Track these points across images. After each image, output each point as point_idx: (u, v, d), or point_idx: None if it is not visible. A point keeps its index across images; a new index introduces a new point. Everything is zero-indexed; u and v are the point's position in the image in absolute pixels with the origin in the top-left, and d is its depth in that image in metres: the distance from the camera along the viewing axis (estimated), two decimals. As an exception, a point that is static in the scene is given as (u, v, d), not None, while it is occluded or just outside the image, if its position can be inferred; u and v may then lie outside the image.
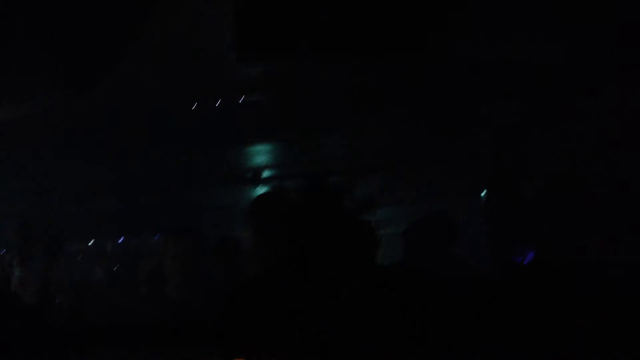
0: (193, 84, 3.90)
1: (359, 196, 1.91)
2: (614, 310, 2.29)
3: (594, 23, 2.82)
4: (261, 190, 7.84)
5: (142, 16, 1.79)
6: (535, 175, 4.23)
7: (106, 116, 4.17)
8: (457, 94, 4.33)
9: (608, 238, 3.15)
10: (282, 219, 2.31)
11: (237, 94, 4.09)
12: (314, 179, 2.11)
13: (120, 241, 10.93)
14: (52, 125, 4.10)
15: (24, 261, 2.40)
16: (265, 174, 6.90)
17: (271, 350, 1.85)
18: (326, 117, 4.92)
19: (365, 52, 1.81)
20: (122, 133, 4.67)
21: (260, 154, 6.20)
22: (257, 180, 7.01)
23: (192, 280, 3.45)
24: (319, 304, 1.83)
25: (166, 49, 3.22)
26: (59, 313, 2.71)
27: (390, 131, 5.56)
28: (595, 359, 2.07)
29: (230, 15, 2.81)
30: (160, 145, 5.17)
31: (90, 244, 10.95)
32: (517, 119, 4.33)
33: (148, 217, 8.64)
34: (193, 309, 3.40)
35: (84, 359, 2.30)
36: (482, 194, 6.33)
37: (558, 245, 3.74)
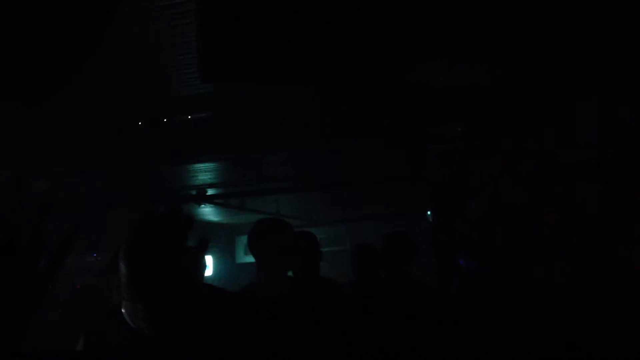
0: (139, 102, 3.82)
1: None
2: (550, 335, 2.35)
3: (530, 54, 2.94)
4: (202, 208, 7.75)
5: (98, 29, 1.74)
6: (480, 196, 4.32)
7: (53, 131, 4.02)
8: (404, 116, 4.39)
9: (549, 261, 3.23)
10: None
11: (183, 112, 4.03)
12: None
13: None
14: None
15: None
16: (210, 191, 6.83)
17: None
18: (272, 136, 4.90)
19: (319, 75, 1.82)
20: (66, 150, 4.52)
21: (205, 172, 6.12)
22: (202, 198, 6.93)
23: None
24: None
25: (115, 65, 3.15)
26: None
27: (337, 151, 5.59)
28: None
29: (187, 33, 2.79)
30: (106, 162, 5.02)
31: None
32: (462, 141, 4.44)
33: (86, 235, 8.37)
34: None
35: None
36: (428, 214, 6.45)
37: (500, 267, 3.82)
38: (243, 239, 10.57)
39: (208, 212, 8.18)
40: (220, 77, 1.60)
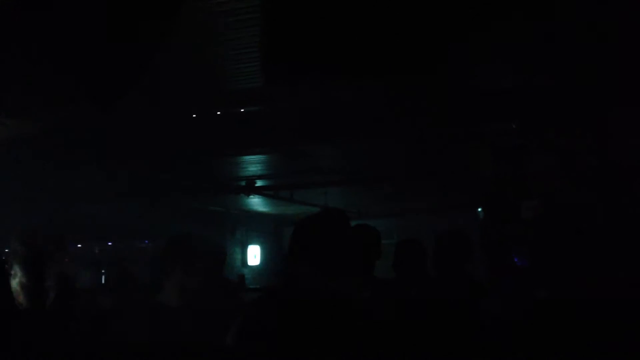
0: (193, 96, 3.89)
1: None
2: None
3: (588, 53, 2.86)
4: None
5: (161, 32, 1.78)
6: (533, 195, 4.24)
7: (104, 127, 4.14)
8: (458, 112, 4.33)
9: (604, 269, 3.15)
10: None
11: (236, 105, 4.08)
12: None
13: (109, 244, 10.90)
14: (51, 139, 4.08)
15: (25, 266, 2.36)
16: (259, 182, 6.90)
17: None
18: (324, 130, 4.91)
19: (378, 75, 1.82)
20: (119, 143, 4.64)
21: (254, 164, 6.19)
22: (251, 189, 7.02)
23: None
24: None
25: (170, 58, 3.20)
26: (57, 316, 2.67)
27: (389, 146, 5.57)
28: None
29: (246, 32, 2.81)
30: (158, 153, 5.14)
31: (78, 246, 10.90)
32: (516, 140, 4.35)
33: (140, 223, 8.61)
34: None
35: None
36: (479, 211, 6.36)
37: (554, 268, 3.75)
38: (290, 230, 10.63)
39: (256, 202, 8.28)
40: (281, 81, 1.62)
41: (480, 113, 4.18)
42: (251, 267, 9.98)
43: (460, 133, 4.88)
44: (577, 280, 3.55)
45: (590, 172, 4.05)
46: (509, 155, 4.42)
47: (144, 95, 3.32)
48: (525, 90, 3.76)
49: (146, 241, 10.67)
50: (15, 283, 2.32)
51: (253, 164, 6.21)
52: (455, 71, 2.10)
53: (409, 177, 6.44)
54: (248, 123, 4.56)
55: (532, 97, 3.84)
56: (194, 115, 4.14)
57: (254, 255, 10.08)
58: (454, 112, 4.31)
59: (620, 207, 3.74)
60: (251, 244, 10.06)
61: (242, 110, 4.13)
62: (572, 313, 3.02)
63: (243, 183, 6.86)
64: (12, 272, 2.32)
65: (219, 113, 4.13)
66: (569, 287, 3.60)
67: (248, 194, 7.09)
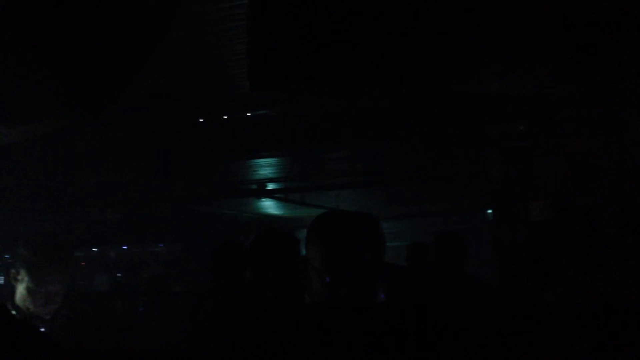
0: (201, 99, 3.93)
1: None
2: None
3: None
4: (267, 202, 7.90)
5: (156, 34, 1.80)
6: (542, 197, 4.21)
7: (117, 133, 4.20)
8: (466, 115, 4.33)
9: (614, 270, 3.13)
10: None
11: (245, 109, 4.11)
12: None
13: (124, 249, 11.03)
14: (63, 143, 4.14)
15: (32, 272, 2.38)
16: (270, 186, 6.93)
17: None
18: (332, 133, 4.93)
19: (379, 81, 1.82)
20: (130, 147, 4.70)
21: (265, 167, 6.22)
22: (262, 192, 7.05)
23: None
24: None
25: (177, 64, 3.24)
26: (65, 324, 2.69)
27: (396, 148, 5.57)
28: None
29: (242, 38, 2.84)
30: (169, 158, 5.19)
31: (94, 250, 11.04)
32: (524, 141, 4.33)
33: (153, 227, 8.70)
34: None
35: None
36: (488, 213, 6.33)
37: (563, 274, 3.73)
38: (303, 233, 10.63)
39: (268, 205, 8.31)
40: (267, 86, 1.63)
41: (488, 116, 4.18)
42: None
43: (469, 136, 4.88)
44: (586, 283, 3.53)
45: (600, 173, 4.02)
46: (517, 157, 4.41)
47: (152, 100, 3.38)
48: (534, 92, 3.75)
49: (160, 244, 10.79)
50: (22, 288, 2.35)
51: (264, 167, 6.24)
52: (462, 75, 2.10)
53: (419, 179, 6.44)
54: (257, 127, 4.60)
55: (541, 99, 3.82)
56: (201, 120, 4.18)
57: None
58: (462, 115, 4.31)
59: (631, 210, 3.71)
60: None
61: (249, 114, 4.16)
62: (580, 316, 3.01)
63: (254, 186, 6.90)
64: (19, 277, 2.36)
65: (225, 117, 4.17)
66: (577, 290, 3.59)
67: (259, 197, 7.12)
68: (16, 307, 2.40)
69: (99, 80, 1.69)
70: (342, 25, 1.66)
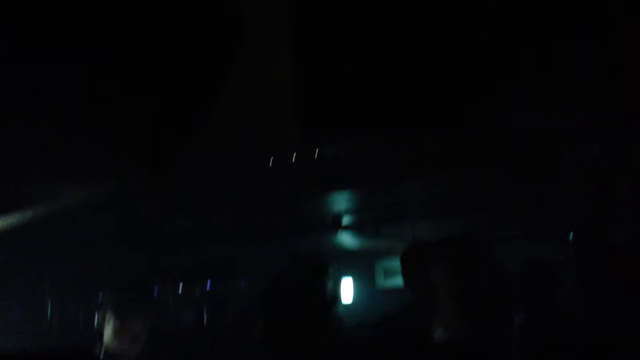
0: (268, 141, 4.08)
1: None
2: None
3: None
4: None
5: (214, 86, 1.91)
6: (625, 219, 4.04)
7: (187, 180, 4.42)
8: (539, 137, 4.25)
9: None
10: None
11: (311, 149, 4.23)
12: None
13: (208, 286, 11.33)
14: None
15: (117, 313, 2.54)
16: (345, 220, 6.99)
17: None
18: (405, 164, 4.95)
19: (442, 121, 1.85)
20: (207, 191, 4.92)
21: (339, 202, 6.30)
22: (338, 226, 7.12)
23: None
24: None
25: (238, 112, 3.40)
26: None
27: (473, 176, 5.50)
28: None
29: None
30: (244, 198, 5.38)
31: (180, 289, 11.40)
32: (601, 163, 4.19)
33: (234, 263, 8.93)
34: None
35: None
36: (570, 237, 6.11)
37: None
38: (382, 264, 10.59)
39: (345, 239, 8.35)
40: (317, 139, 1.69)
41: (562, 138, 4.09)
42: (345, 305, 10.00)
43: (544, 159, 4.77)
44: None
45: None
46: (595, 179, 4.27)
47: (220, 148, 3.54)
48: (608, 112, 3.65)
49: (242, 280, 11.02)
50: (109, 329, 2.51)
51: (337, 202, 6.32)
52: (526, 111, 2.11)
53: (496, 207, 6.31)
54: (326, 163, 4.69)
55: (616, 118, 3.71)
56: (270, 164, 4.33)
57: (346, 291, 10.10)
58: (534, 139, 4.23)
59: None
60: (344, 278, 10.10)
61: (317, 150, 4.27)
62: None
63: (329, 221, 6.97)
64: (107, 319, 2.52)
65: (294, 158, 4.30)
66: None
67: (335, 231, 7.19)
68: (105, 349, 2.56)
69: (166, 138, 1.81)
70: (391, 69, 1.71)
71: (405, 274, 3.55)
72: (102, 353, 2.56)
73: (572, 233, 5.62)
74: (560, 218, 5.39)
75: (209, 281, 11.22)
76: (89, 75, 1.67)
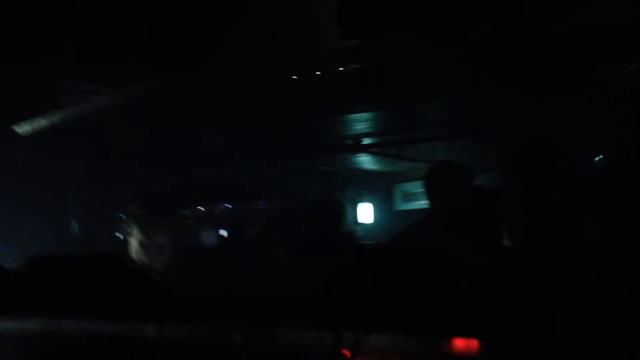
0: (293, 55, 3.95)
1: None
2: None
3: None
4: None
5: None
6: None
7: (210, 91, 4.32)
8: (572, 52, 4.07)
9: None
10: None
11: (338, 63, 4.10)
12: None
13: (229, 207, 11.46)
14: (164, 103, 4.32)
15: (144, 226, 2.55)
16: (365, 140, 6.92)
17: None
18: (426, 83, 4.81)
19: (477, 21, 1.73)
20: (227, 108, 4.84)
21: (359, 122, 6.20)
22: (358, 147, 7.05)
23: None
24: None
25: (266, 23, 3.26)
26: (176, 275, 2.86)
27: (498, 96, 5.35)
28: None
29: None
30: (264, 115, 5.30)
31: (200, 208, 11.56)
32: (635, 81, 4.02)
33: (254, 184, 8.97)
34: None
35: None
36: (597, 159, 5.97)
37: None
38: (401, 186, 10.59)
39: (364, 161, 8.30)
40: (360, 34, 1.60)
41: (593, 53, 3.91)
42: (363, 224, 10.08)
43: (575, 76, 4.59)
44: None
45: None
46: (629, 99, 4.10)
47: (243, 59, 3.43)
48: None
49: (262, 202, 11.11)
50: (135, 242, 2.52)
51: (358, 122, 6.22)
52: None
53: (520, 128, 6.16)
54: (350, 82, 4.58)
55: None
56: (295, 77, 4.21)
57: (366, 213, 10.16)
58: (567, 52, 4.05)
59: None
60: (362, 202, 10.14)
61: (342, 69, 4.15)
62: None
63: (350, 142, 6.91)
64: (132, 232, 2.53)
65: (318, 73, 4.18)
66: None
67: (355, 153, 7.13)
68: (131, 260, 2.59)
69: (193, 36, 1.73)
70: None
71: (429, 190, 3.51)
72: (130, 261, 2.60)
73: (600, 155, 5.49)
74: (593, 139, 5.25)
75: (230, 203, 11.35)
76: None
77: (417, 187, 10.71)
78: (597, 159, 5.47)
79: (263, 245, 6.90)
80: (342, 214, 4.22)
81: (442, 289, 1.66)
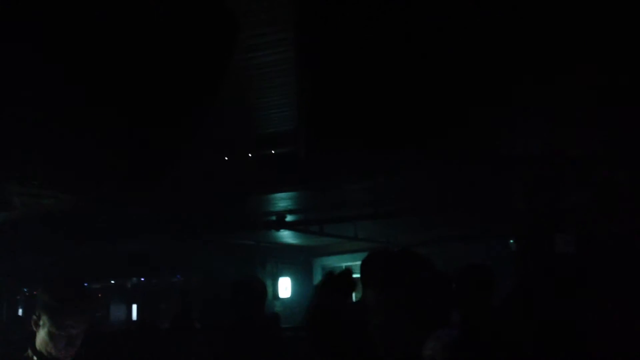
0: (225, 142, 3.98)
1: None
2: None
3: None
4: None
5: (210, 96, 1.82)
6: (568, 230, 4.14)
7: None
8: (487, 145, 4.29)
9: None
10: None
11: (267, 148, 4.16)
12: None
13: (142, 280, 11.00)
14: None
15: (54, 317, 2.36)
16: (289, 218, 6.91)
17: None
18: (351, 167, 4.91)
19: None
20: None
21: (284, 200, 6.21)
22: (281, 224, 7.02)
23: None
24: None
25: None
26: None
27: (416, 178, 5.52)
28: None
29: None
30: (188, 192, 5.21)
31: (112, 282, 11.04)
32: (551, 172, 4.28)
33: (170, 258, 8.69)
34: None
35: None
36: (510, 242, 6.24)
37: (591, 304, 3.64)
38: (320, 261, 10.60)
39: (286, 235, 8.28)
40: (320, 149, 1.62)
41: (511, 148, 4.13)
42: (282, 299, 9.94)
43: (494, 166, 4.82)
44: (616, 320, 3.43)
45: (628, 205, 3.94)
46: (543, 187, 4.35)
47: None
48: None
49: (178, 276, 10.74)
50: (44, 333, 2.33)
51: (283, 200, 6.23)
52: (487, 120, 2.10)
53: (439, 208, 6.37)
54: (278, 163, 4.62)
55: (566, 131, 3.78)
56: (226, 159, 4.22)
57: (284, 287, 10.05)
58: (486, 145, 4.26)
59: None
60: (282, 276, 10.04)
61: (272, 152, 4.20)
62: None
63: (274, 218, 6.88)
64: (41, 323, 2.34)
65: (250, 155, 4.21)
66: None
67: (278, 229, 7.10)
68: (37, 352, 2.38)
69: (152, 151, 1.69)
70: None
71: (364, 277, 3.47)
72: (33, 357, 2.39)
73: (512, 240, 5.74)
74: (507, 222, 5.48)
75: (142, 277, 10.90)
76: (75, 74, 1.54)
77: (336, 261, 10.82)
78: (510, 242, 5.70)
79: (179, 322, 6.61)
80: (264, 294, 4.14)
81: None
